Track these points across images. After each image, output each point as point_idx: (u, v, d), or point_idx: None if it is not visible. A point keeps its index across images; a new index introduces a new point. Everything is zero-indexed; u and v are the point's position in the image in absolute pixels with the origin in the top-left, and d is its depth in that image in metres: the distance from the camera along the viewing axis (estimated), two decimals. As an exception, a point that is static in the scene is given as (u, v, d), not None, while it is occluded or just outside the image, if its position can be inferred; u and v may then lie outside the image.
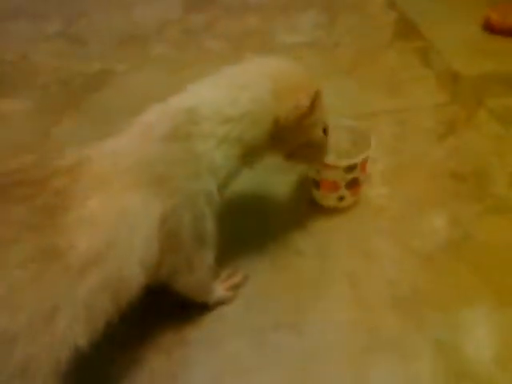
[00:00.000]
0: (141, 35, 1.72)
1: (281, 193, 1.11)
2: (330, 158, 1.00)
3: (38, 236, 0.64)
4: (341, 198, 1.03)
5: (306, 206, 1.07)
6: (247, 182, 1.11)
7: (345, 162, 0.98)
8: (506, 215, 1.01)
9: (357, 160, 0.99)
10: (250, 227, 1.03)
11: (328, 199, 1.05)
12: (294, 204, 1.09)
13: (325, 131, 0.92)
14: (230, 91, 0.81)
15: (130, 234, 0.70)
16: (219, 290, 0.91)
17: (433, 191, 1.08)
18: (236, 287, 0.92)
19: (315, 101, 0.85)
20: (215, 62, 1.50)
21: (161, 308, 0.88)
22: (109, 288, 0.68)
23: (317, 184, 1.04)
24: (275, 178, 1.13)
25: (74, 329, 0.65)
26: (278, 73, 0.84)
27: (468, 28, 1.60)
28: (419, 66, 1.45)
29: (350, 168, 0.99)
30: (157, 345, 0.85)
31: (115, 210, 0.70)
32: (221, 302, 0.90)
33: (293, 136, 0.87)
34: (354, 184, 1.02)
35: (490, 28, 1.58)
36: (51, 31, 1.79)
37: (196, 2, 1.87)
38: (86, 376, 0.73)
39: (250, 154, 0.84)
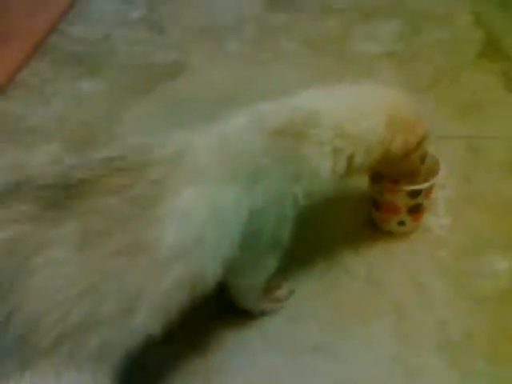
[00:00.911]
0: (219, 29, 1.72)
1: (340, 208, 1.08)
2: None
3: (129, 229, 0.66)
4: (401, 223, 1.00)
5: (364, 226, 1.04)
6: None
7: (409, 187, 0.94)
8: None
9: (423, 186, 0.95)
10: (304, 239, 0.99)
11: (387, 222, 1.01)
12: (352, 222, 1.06)
13: (422, 159, 0.95)
14: (352, 112, 0.85)
15: (217, 231, 0.71)
16: (264, 300, 0.90)
17: (500, 230, 1.02)
18: (280, 300, 0.91)
19: (422, 141, 0.89)
20: (290, 64, 1.53)
21: (205, 311, 0.88)
22: (189, 282, 0.69)
23: (378, 205, 1.01)
24: (337, 192, 1.11)
25: (151, 319, 0.67)
26: (394, 109, 0.87)
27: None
28: (502, 91, 1.37)
29: (415, 193, 0.95)
30: (196, 347, 0.86)
31: (207, 205, 0.71)
32: (263, 313, 0.90)
33: (394, 164, 0.90)
34: (416, 210, 0.98)
35: None
36: (135, 16, 1.83)
37: (279, 0, 1.84)
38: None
39: (350, 172, 0.86)
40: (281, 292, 0.92)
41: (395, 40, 1.61)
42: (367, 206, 1.04)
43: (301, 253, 0.97)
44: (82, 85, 1.52)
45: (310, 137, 0.80)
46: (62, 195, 0.66)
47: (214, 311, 0.89)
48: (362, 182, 1.02)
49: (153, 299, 0.66)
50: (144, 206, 0.68)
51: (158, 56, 1.63)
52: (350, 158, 0.84)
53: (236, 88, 1.42)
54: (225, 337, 0.87)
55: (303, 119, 0.81)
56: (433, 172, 0.97)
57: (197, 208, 0.70)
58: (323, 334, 0.87)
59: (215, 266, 0.72)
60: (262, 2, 1.84)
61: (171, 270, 0.67)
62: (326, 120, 0.82)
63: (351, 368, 0.83)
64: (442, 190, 1.09)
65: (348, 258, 0.98)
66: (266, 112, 0.82)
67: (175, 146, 0.75)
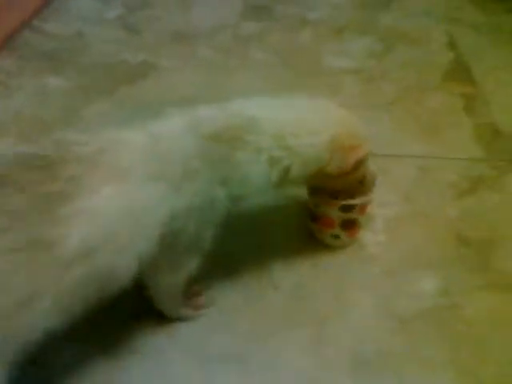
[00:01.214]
0: (193, 35, 1.72)
1: (276, 218, 1.07)
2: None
3: (32, 226, 0.65)
4: (335, 237, 0.99)
5: (298, 237, 1.03)
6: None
7: (341, 202, 0.94)
8: (504, 294, 0.93)
9: (355, 202, 0.94)
10: (234, 247, 0.99)
11: (323, 235, 1.01)
12: (287, 233, 1.05)
13: (361, 180, 0.94)
14: (295, 125, 0.84)
15: (134, 230, 0.70)
16: (183, 306, 0.89)
17: (433, 251, 1.00)
18: (200, 308, 0.90)
19: (360, 164, 0.89)
20: (258, 73, 1.53)
21: (120, 311, 0.87)
22: (97, 280, 0.68)
23: (314, 217, 1.00)
24: (275, 201, 1.09)
25: (50, 315, 0.65)
26: (339, 129, 0.87)
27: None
28: (461, 114, 1.36)
29: (347, 208, 0.95)
30: (105, 348, 0.84)
31: (125, 203, 0.70)
32: (181, 319, 0.88)
33: (330, 182, 0.91)
34: (350, 225, 0.98)
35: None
36: (111, 15, 1.83)
37: (255, 10, 1.85)
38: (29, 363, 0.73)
39: (285, 183, 0.86)
40: (201, 299, 0.90)
41: (365, 57, 1.60)
42: (304, 216, 1.03)
43: (229, 261, 0.96)
44: (49, 81, 1.51)
45: (247, 143, 0.80)
46: None
47: (130, 312, 0.88)
48: (300, 192, 1.01)
49: (53, 296, 0.65)
50: (53, 203, 0.66)
51: (129, 56, 1.62)
52: (286, 169, 0.83)
53: (201, 92, 1.42)
54: (137, 340, 0.85)
55: (241, 125, 0.80)
56: (370, 188, 0.96)
57: (112, 206, 0.69)
58: (238, 344, 0.85)
59: (128, 265, 0.71)
60: (238, 10, 1.84)
61: (75, 267, 0.66)
62: (265, 128, 0.81)
63: (261, 379, 0.81)
64: (384, 207, 1.08)
65: (277, 269, 0.97)
66: (204, 116, 0.81)
67: (99, 143, 0.73)
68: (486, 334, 0.86)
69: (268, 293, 0.93)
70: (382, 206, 1.08)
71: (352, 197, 0.95)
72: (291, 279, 0.95)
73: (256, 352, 0.84)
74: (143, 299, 0.86)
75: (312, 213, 1.00)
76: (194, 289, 0.90)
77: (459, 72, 1.54)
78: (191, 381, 0.81)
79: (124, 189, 0.71)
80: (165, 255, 0.77)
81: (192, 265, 0.82)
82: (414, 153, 1.23)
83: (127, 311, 0.88)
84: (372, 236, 1.03)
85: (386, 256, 0.99)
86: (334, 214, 0.95)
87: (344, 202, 0.93)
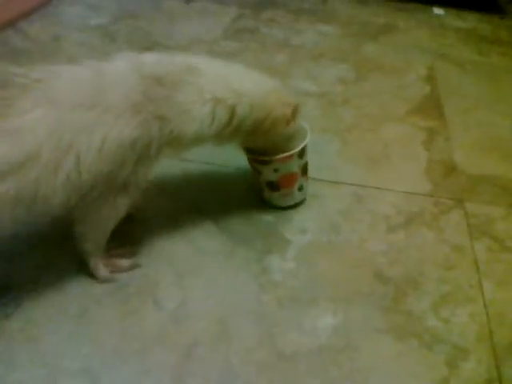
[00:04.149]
0: (168, 46, 1.70)
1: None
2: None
3: None
4: (300, 188, 1.01)
5: (205, 248, 0.95)
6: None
7: (298, 147, 0.95)
8: (407, 340, 0.82)
9: (305, 142, 0.96)
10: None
11: (290, 196, 1.01)
12: (187, 241, 0.97)
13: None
14: (238, 76, 0.87)
15: (60, 152, 0.70)
16: (104, 262, 0.88)
17: (343, 285, 0.91)
18: (120, 269, 0.89)
19: (294, 114, 0.93)
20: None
21: None
22: (23, 200, 0.69)
23: (275, 185, 0.98)
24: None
25: None
26: (275, 87, 0.94)
27: (496, 123, 1.39)
28: (418, 147, 1.28)
29: (303, 152, 0.96)
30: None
31: (51, 126, 0.70)
32: (97, 276, 0.87)
33: (273, 135, 0.91)
34: (305, 169, 1.00)
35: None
36: (94, 23, 1.83)
37: (240, 31, 1.82)
38: None
39: (232, 127, 0.85)
40: (125, 261, 0.89)
41: (333, 83, 1.54)
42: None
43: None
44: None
45: (188, 84, 0.80)
46: None
47: None
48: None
49: None
50: None
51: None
52: (232, 109, 0.84)
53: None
54: None
55: (183, 69, 0.81)
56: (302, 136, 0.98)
57: (40, 127, 0.70)
58: (98, 360, 0.77)
59: (56, 186, 0.71)
60: (223, 29, 1.82)
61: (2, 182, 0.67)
62: (208, 72, 0.83)
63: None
64: (303, 233, 1.00)
65: (166, 283, 0.89)
66: (148, 60, 0.82)
67: (38, 74, 0.74)
68: None
69: (148, 309, 0.85)
70: (300, 232, 1.00)
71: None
72: (176, 297, 0.87)
73: (114, 371, 0.76)
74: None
75: (271, 183, 0.98)
76: (120, 250, 0.90)
77: (429, 106, 1.46)
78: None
79: (54, 113, 0.71)
80: (101, 188, 0.77)
81: (123, 206, 0.82)
82: (353, 181, 1.15)
83: None
84: (280, 262, 0.94)
85: (289, 285, 0.90)
86: (295, 164, 0.96)
87: (301, 147, 0.95)
